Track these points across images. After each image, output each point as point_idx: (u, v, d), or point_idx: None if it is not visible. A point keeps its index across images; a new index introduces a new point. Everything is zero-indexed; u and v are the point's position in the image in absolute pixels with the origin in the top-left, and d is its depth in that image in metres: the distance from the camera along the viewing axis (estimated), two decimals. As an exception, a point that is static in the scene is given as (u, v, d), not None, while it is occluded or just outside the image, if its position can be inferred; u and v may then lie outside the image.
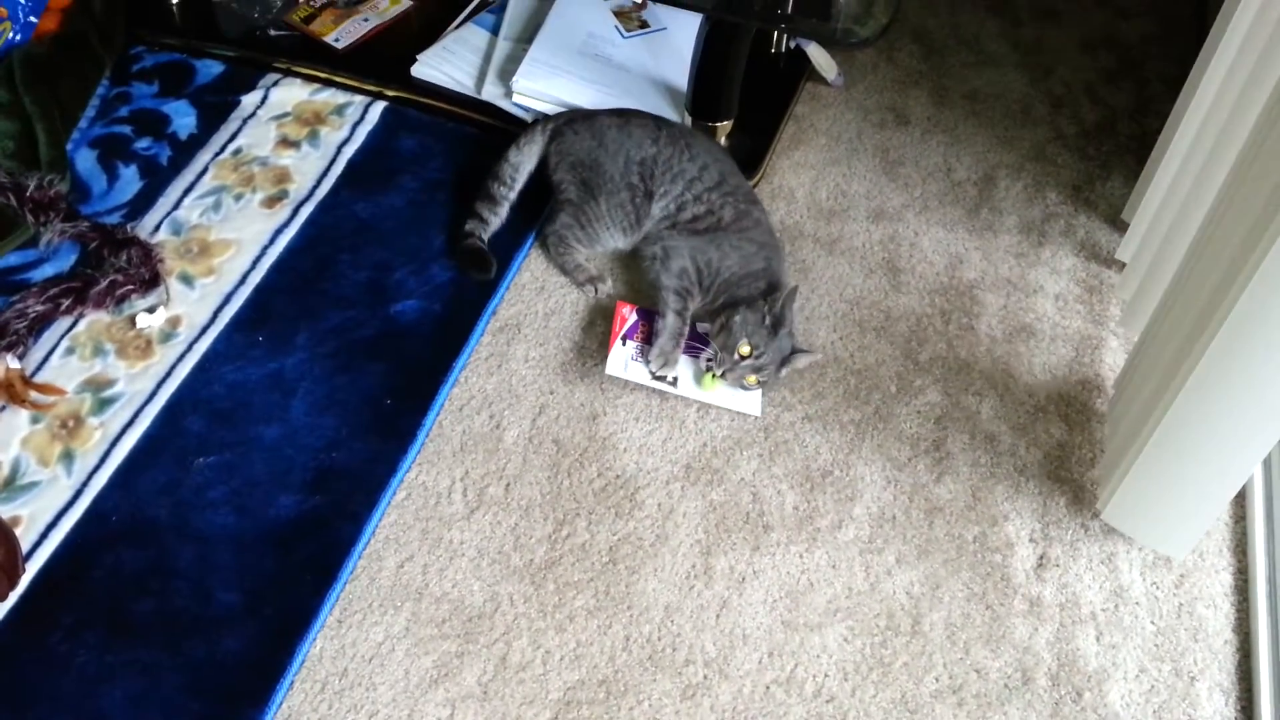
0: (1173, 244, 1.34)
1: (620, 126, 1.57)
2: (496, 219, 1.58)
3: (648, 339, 1.46)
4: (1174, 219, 1.36)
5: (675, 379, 1.43)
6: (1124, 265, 1.56)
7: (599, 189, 1.54)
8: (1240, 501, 1.34)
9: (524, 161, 1.60)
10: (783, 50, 1.83)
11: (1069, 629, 1.24)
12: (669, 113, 1.68)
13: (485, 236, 1.57)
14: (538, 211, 1.62)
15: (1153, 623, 1.24)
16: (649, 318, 1.49)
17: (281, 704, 1.18)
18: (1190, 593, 1.27)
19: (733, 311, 1.40)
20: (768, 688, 1.19)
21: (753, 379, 1.38)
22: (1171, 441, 1.16)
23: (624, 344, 1.46)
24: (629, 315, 1.49)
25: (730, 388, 1.42)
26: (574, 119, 1.60)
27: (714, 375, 1.41)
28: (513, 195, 1.59)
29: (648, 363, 1.43)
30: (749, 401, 1.42)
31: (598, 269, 1.57)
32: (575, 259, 1.55)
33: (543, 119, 1.63)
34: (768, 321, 1.38)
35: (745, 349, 1.37)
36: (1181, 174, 1.38)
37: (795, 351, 1.40)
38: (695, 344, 1.44)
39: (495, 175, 1.59)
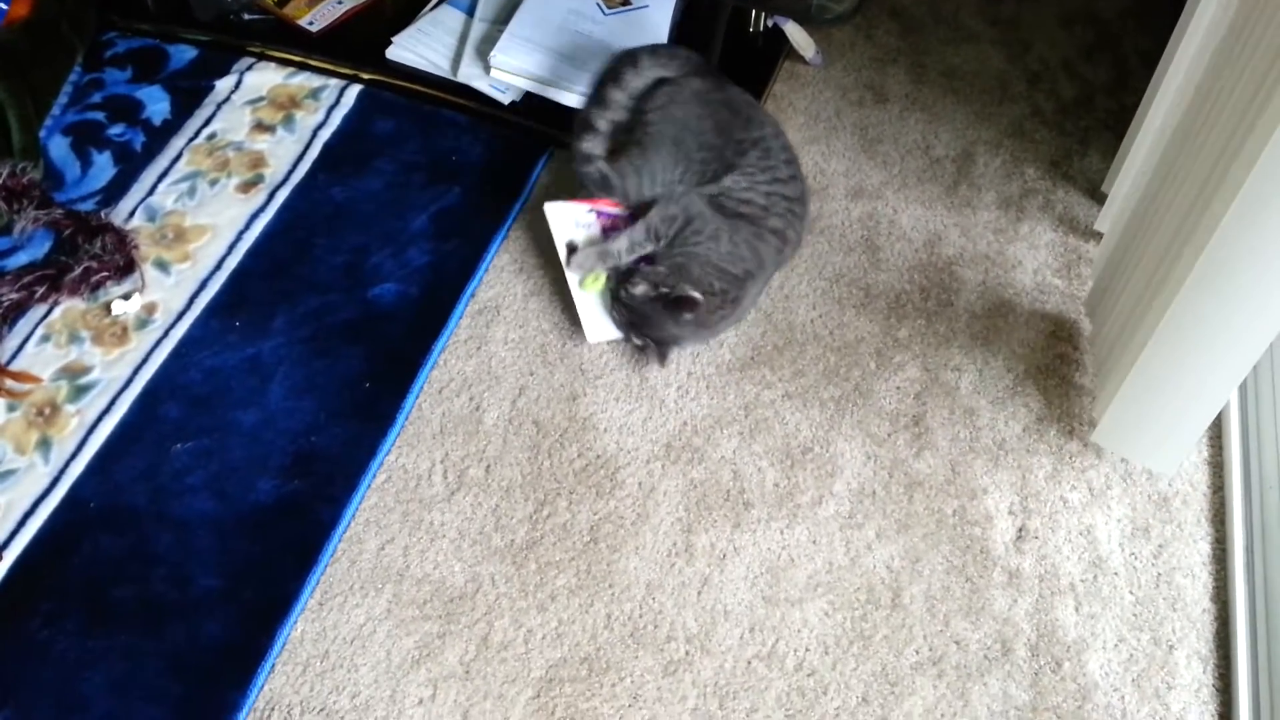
0: (1147, 213, 1.34)
1: (732, 104, 1.51)
2: (606, 125, 1.50)
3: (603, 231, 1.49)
4: (1149, 188, 1.36)
5: (574, 261, 1.47)
6: (1101, 236, 1.56)
7: (678, 158, 1.47)
8: (1218, 470, 1.35)
9: (641, 84, 1.50)
10: (761, 29, 1.82)
11: (1048, 600, 1.24)
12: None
13: (600, 152, 1.50)
14: (511, 191, 1.61)
15: (1131, 593, 1.25)
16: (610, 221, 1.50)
17: (263, 687, 1.18)
18: (1169, 562, 1.27)
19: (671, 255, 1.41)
20: (749, 662, 1.20)
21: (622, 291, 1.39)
22: (1157, 360, 1.20)
23: (590, 215, 1.50)
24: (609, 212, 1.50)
25: (596, 301, 1.46)
26: (700, 71, 1.52)
27: (595, 279, 1.45)
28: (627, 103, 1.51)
29: (572, 250, 1.48)
30: (594, 322, 1.46)
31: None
32: (597, 181, 1.50)
33: (665, 50, 1.53)
34: (662, 292, 1.38)
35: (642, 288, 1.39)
36: (1158, 145, 1.38)
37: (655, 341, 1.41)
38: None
39: (614, 80, 1.49)
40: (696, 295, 1.37)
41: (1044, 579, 1.26)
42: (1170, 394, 1.22)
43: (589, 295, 1.47)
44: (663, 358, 1.43)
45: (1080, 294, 1.53)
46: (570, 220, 1.51)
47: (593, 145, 1.48)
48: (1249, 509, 1.29)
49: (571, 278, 1.48)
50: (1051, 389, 1.43)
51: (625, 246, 1.45)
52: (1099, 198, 1.63)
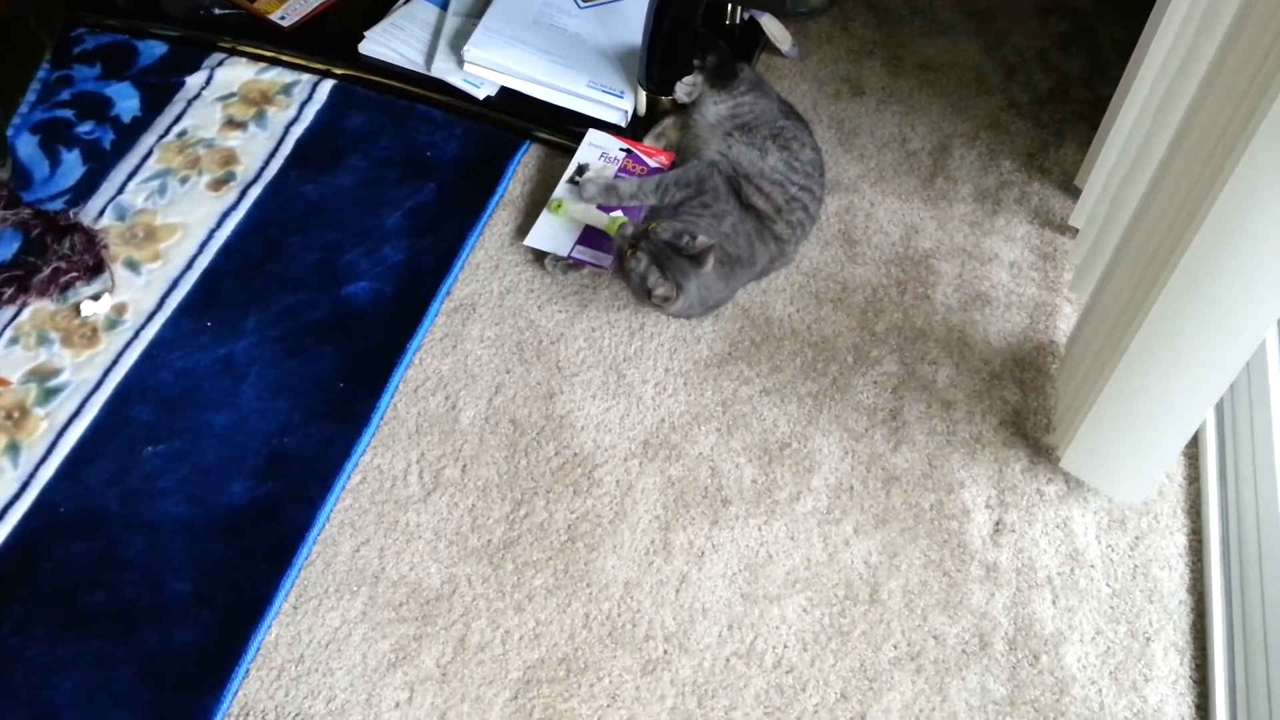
0: (1124, 208, 1.34)
1: (795, 113, 1.65)
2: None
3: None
4: (1124, 183, 1.36)
5: (581, 180, 1.54)
6: (1077, 231, 1.56)
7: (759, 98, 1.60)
8: (1193, 462, 1.35)
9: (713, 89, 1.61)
10: (737, 22, 1.81)
11: (1025, 593, 1.24)
12: (621, 84, 1.67)
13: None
14: (486, 187, 1.60)
15: (1108, 585, 1.25)
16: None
17: (237, 692, 1.16)
18: (1145, 554, 1.28)
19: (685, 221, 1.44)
20: (728, 660, 1.19)
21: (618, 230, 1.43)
22: (1126, 387, 1.18)
23: (621, 152, 1.61)
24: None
25: (551, 220, 1.53)
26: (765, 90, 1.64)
27: (560, 205, 1.53)
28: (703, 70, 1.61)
29: (580, 170, 1.58)
30: (539, 233, 1.52)
31: (673, 135, 1.65)
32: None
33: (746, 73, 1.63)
34: (684, 241, 1.38)
35: (657, 226, 1.40)
36: (1132, 139, 1.38)
37: (663, 274, 1.38)
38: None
39: (715, 53, 1.61)
40: (712, 243, 1.38)
41: (1021, 572, 1.26)
42: (1138, 424, 1.20)
43: (550, 215, 1.55)
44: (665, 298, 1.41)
45: (1056, 287, 1.52)
46: (601, 145, 1.62)
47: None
48: (1225, 500, 1.30)
49: (560, 190, 1.56)
50: (1028, 382, 1.43)
51: (630, 191, 1.50)
52: (1073, 191, 1.63)
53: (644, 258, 1.37)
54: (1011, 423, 1.38)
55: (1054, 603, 1.24)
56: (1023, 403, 1.40)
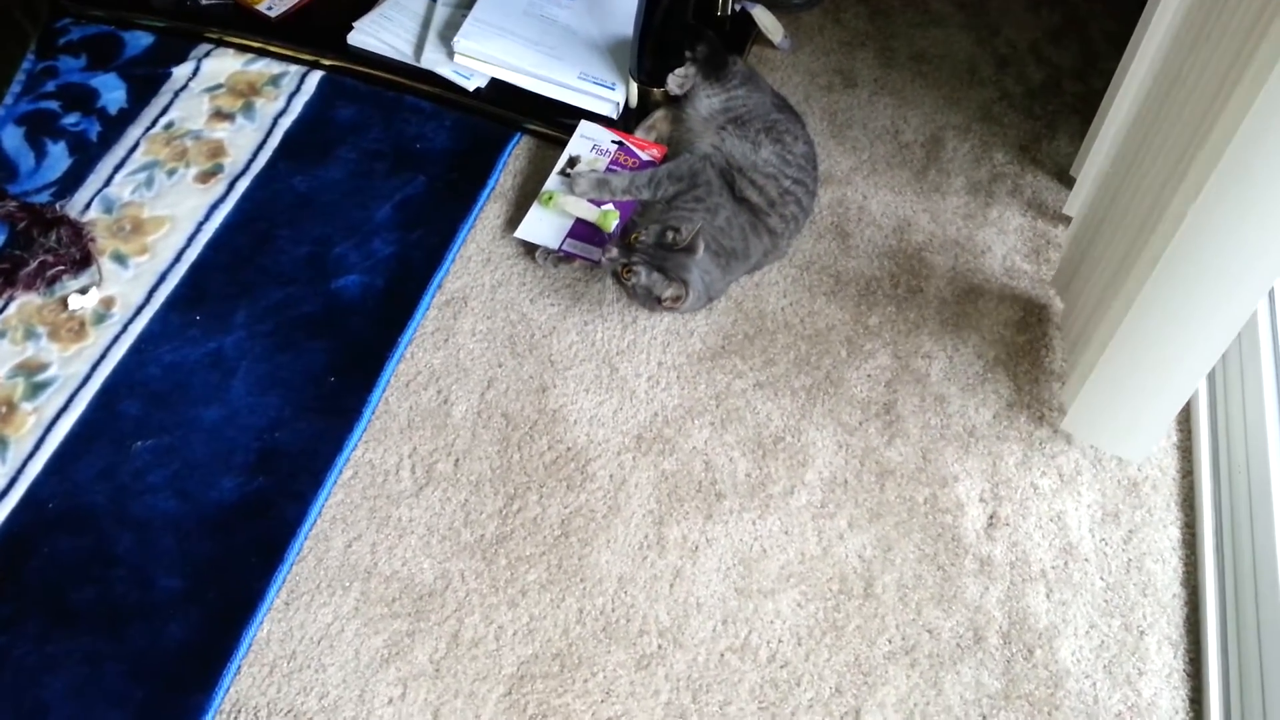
0: (1119, 194, 1.34)
1: (789, 106, 1.64)
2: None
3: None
4: (1120, 172, 1.35)
5: (573, 174, 1.55)
6: (1070, 220, 1.56)
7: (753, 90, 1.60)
8: (1187, 455, 1.35)
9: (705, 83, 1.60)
10: (729, 13, 1.80)
11: (1019, 587, 1.24)
12: (613, 76, 1.65)
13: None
14: (477, 179, 1.59)
15: (1102, 579, 1.25)
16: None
17: (229, 689, 1.15)
18: (1139, 548, 1.28)
19: (665, 218, 1.44)
20: (722, 655, 1.19)
21: (615, 255, 1.39)
22: (1126, 349, 1.20)
23: (613, 145, 1.60)
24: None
25: (541, 213, 1.52)
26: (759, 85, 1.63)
27: (551, 198, 1.53)
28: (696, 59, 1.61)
29: (572, 163, 1.58)
30: (529, 226, 1.52)
31: (664, 128, 1.64)
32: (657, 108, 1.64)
33: (741, 68, 1.63)
34: (670, 238, 1.38)
35: (640, 235, 1.39)
36: (1126, 129, 1.38)
37: (665, 276, 1.37)
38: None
39: (704, 43, 1.61)
40: (698, 225, 1.38)
41: (1015, 566, 1.26)
42: (1139, 381, 1.22)
43: (540, 207, 1.54)
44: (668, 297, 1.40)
45: (1049, 278, 1.52)
46: (593, 137, 1.61)
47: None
48: (1218, 493, 1.30)
49: (551, 182, 1.55)
50: (1021, 374, 1.42)
51: (623, 185, 1.51)
52: (1067, 181, 1.63)
53: (641, 270, 1.37)
54: (1005, 416, 1.38)
55: (1048, 596, 1.24)
56: (1016, 395, 1.40)
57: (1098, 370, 1.24)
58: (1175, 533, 1.29)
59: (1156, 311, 1.14)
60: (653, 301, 1.38)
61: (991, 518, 1.30)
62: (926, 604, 1.23)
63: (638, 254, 1.37)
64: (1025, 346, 1.45)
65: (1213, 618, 1.21)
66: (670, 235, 1.37)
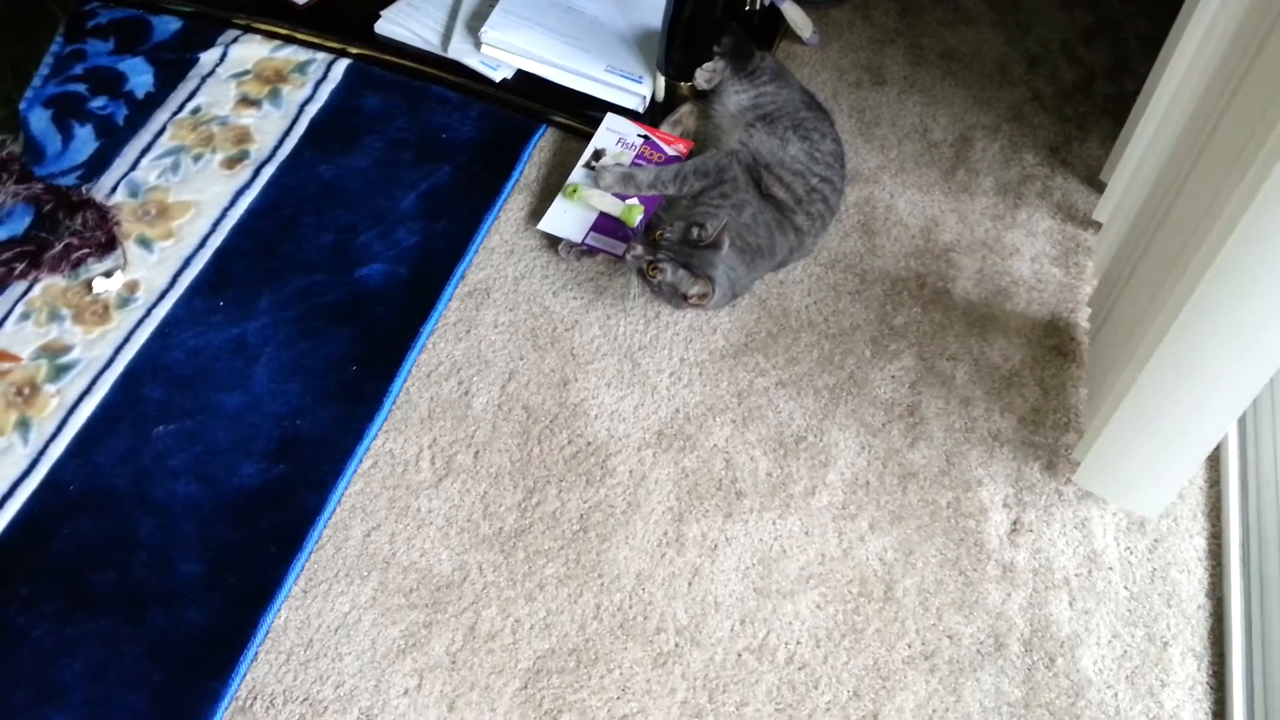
0: (1150, 205, 1.32)
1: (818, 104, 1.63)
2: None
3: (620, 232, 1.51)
4: (1151, 180, 1.34)
5: (598, 166, 1.55)
6: (1100, 226, 1.54)
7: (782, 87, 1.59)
8: (1214, 465, 1.33)
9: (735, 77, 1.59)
10: (758, 7, 1.79)
11: (1042, 594, 1.23)
12: (640, 69, 1.64)
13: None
14: (502, 170, 1.58)
15: (1126, 588, 1.24)
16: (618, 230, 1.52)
17: (245, 675, 1.16)
18: (1164, 557, 1.26)
19: (690, 214, 1.43)
20: (739, 655, 1.18)
21: (640, 253, 1.38)
22: (1144, 402, 1.16)
23: (639, 138, 1.60)
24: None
25: (566, 205, 1.51)
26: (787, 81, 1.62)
27: (575, 190, 1.52)
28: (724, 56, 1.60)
29: (597, 155, 1.56)
30: (553, 218, 1.51)
31: (690, 123, 1.63)
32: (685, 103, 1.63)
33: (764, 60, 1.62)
34: (695, 234, 1.37)
35: (664, 231, 1.38)
36: (1159, 134, 1.36)
37: (691, 274, 1.36)
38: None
39: (730, 35, 1.60)
40: (724, 221, 1.37)
41: (1038, 573, 1.25)
42: (1158, 436, 1.18)
43: (564, 200, 1.53)
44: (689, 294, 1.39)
45: (1078, 283, 1.51)
46: (619, 130, 1.60)
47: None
48: (1245, 504, 1.28)
49: (575, 175, 1.54)
50: (1048, 379, 1.41)
51: (648, 180, 1.50)
52: (1098, 185, 1.61)
53: (666, 267, 1.36)
54: (1031, 421, 1.37)
55: (1071, 604, 1.22)
56: (1042, 400, 1.39)
57: (1113, 424, 1.19)
58: (1201, 543, 1.28)
59: (1181, 360, 1.09)
60: (678, 298, 1.37)
61: (1015, 523, 1.28)
62: (947, 609, 1.22)
63: (663, 250, 1.36)
64: (1052, 351, 1.44)
65: (1238, 630, 1.19)
66: (696, 231, 1.37)
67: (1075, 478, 1.31)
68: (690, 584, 1.23)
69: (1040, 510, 1.29)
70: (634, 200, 1.51)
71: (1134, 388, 1.14)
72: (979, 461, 1.33)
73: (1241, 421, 1.35)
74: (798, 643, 1.19)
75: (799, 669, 1.18)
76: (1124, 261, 1.37)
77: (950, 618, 1.21)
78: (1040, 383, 1.41)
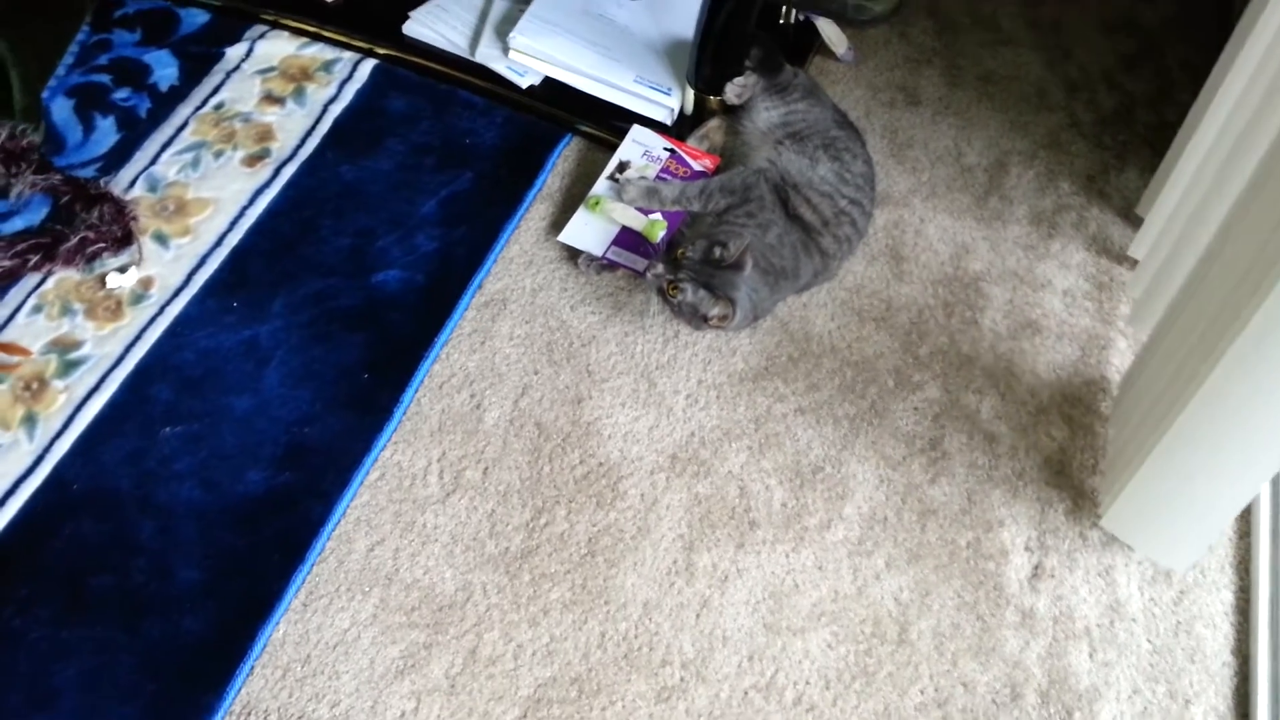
0: (1189, 243, 1.28)
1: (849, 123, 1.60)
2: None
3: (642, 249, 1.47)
4: (1191, 216, 1.29)
5: (621, 178, 1.52)
6: (1136, 262, 1.50)
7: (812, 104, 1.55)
8: (1245, 517, 1.29)
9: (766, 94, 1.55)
10: (793, 21, 1.75)
11: (1062, 644, 1.19)
12: (669, 81, 1.61)
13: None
14: (524, 179, 1.55)
15: (1149, 641, 1.20)
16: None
17: (240, 689, 1.13)
18: (1189, 611, 1.22)
19: (713, 232, 1.40)
20: (746, 693, 1.15)
21: (660, 272, 1.35)
22: (1179, 451, 1.11)
23: (664, 151, 1.56)
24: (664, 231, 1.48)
25: (588, 217, 1.48)
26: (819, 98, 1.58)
27: (598, 202, 1.48)
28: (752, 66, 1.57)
29: (621, 168, 1.53)
30: (574, 231, 1.47)
31: (717, 138, 1.59)
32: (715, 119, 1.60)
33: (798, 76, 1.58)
34: (717, 254, 1.34)
35: (686, 250, 1.36)
36: (1202, 170, 1.32)
37: (712, 294, 1.33)
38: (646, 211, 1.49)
39: (759, 45, 1.57)
40: (746, 241, 1.34)
41: (1058, 621, 1.21)
42: (1188, 492, 1.14)
43: (586, 212, 1.49)
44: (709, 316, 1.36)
45: (1110, 320, 1.46)
46: (645, 142, 1.57)
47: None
48: (1276, 559, 1.24)
49: (599, 187, 1.51)
50: (1076, 419, 1.37)
51: (673, 195, 1.47)
52: (1135, 219, 1.56)
53: (687, 287, 1.33)
54: (1057, 461, 1.33)
55: (1091, 656, 1.18)
56: (1069, 441, 1.35)
57: (1141, 475, 1.16)
58: (1229, 597, 1.23)
59: (1221, 409, 1.04)
60: (698, 319, 1.34)
61: (1036, 568, 1.25)
62: (963, 655, 1.18)
63: (684, 270, 1.33)
64: (1082, 388, 1.39)
65: (1264, 690, 1.15)
66: (718, 251, 1.33)
67: (1103, 520, 1.27)
68: (698, 615, 1.20)
69: (1063, 555, 1.25)
70: (657, 215, 1.48)
71: (1165, 439, 1.10)
72: (1001, 501, 1.29)
73: (1275, 476, 1.31)
74: (807, 683, 1.16)
75: (807, 710, 1.14)
76: (1161, 300, 1.33)
77: (966, 664, 1.17)
78: (1068, 421, 1.36)
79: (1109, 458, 1.31)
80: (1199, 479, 1.12)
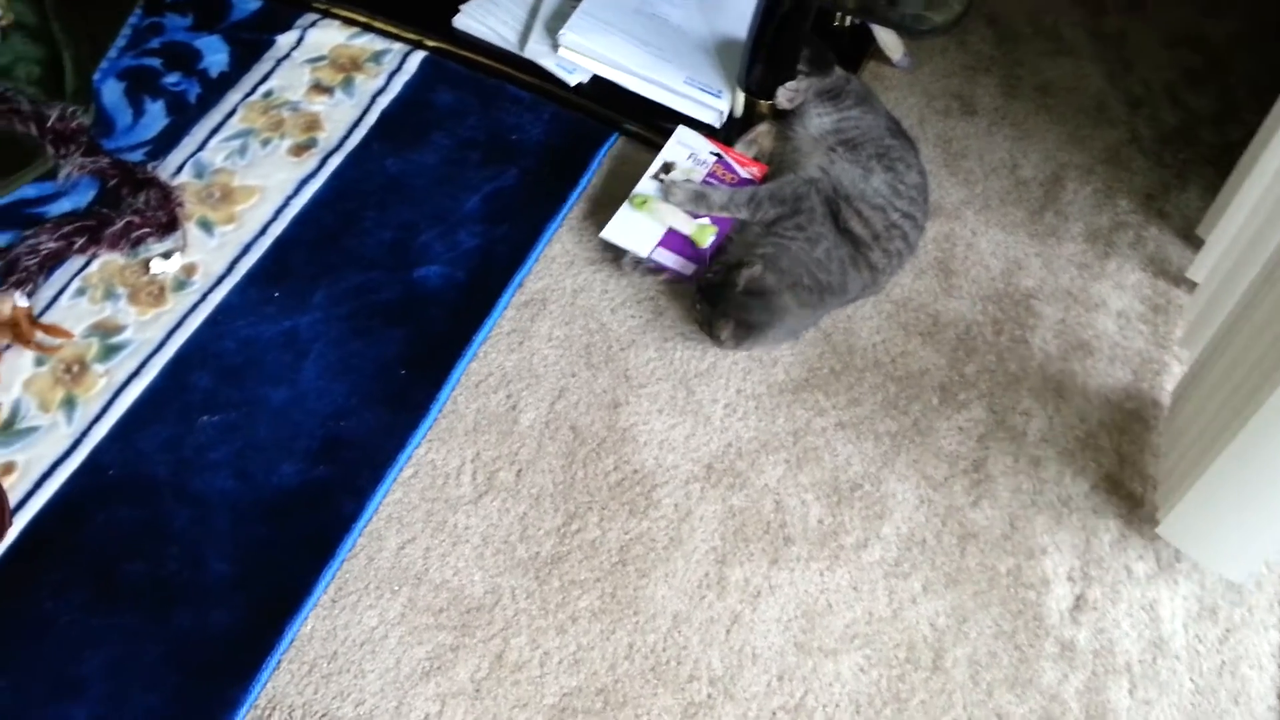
0: (1246, 265, 1.24)
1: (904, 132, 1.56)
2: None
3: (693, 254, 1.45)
4: (1254, 239, 1.25)
5: (667, 180, 1.49)
6: (1195, 285, 1.46)
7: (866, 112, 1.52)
8: (1299, 555, 1.25)
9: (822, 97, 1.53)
10: (848, 24, 1.72)
11: (1101, 679, 1.16)
12: (720, 83, 1.59)
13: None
14: (569, 178, 1.54)
15: (1192, 680, 1.16)
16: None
17: (266, 684, 1.13)
18: (1235, 650, 1.18)
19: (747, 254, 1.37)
20: (774, 714, 1.13)
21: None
22: (1237, 463, 1.09)
23: (712, 155, 1.53)
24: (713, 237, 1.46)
25: (633, 215, 1.45)
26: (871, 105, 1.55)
27: (645, 201, 1.46)
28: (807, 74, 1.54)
29: (666, 169, 1.50)
30: (617, 228, 1.45)
31: (766, 144, 1.56)
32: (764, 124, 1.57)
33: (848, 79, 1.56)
34: (735, 278, 1.33)
35: (710, 273, 1.36)
36: (1269, 191, 1.27)
37: (736, 323, 1.33)
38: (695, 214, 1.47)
39: (809, 44, 1.53)
40: (756, 270, 1.33)
41: (1099, 655, 1.17)
42: (1252, 501, 1.11)
43: (631, 210, 1.47)
44: (738, 340, 1.36)
45: (1165, 344, 1.42)
46: (691, 145, 1.54)
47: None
48: (1330, 600, 1.20)
49: (643, 185, 1.48)
50: (1125, 445, 1.33)
51: (721, 201, 1.44)
52: (1194, 240, 1.52)
53: (701, 305, 1.35)
54: (1104, 488, 1.29)
55: (1131, 693, 1.15)
56: (1118, 468, 1.31)
57: (1203, 483, 1.13)
58: (1276, 637, 1.20)
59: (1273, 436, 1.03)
60: (714, 337, 1.35)
61: (1079, 599, 1.21)
62: (999, 685, 1.15)
63: (701, 290, 1.35)
64: (1133, 415, 1.36)
65: (1312, 737, 1.11)
66: (740, 276, 1.33)
67: (1159, 528, 1.23)
68: (729, 631, 1.18)
69: (1107, 587, 1.22)
70: (706, 220, 1.45)
71: (1225, 452, 1.08)
72: (1045, 528, 1.26)
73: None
74: (836, 706, 1.14)
75: (835, 734, 1.12)
76: (1213, 321, 1.29)
77: (1001, 695, 1.15)
78: (1117, 448, 1.33)
79: (1165, 464, 1.28)
80: (1258, 491, 1.09)
